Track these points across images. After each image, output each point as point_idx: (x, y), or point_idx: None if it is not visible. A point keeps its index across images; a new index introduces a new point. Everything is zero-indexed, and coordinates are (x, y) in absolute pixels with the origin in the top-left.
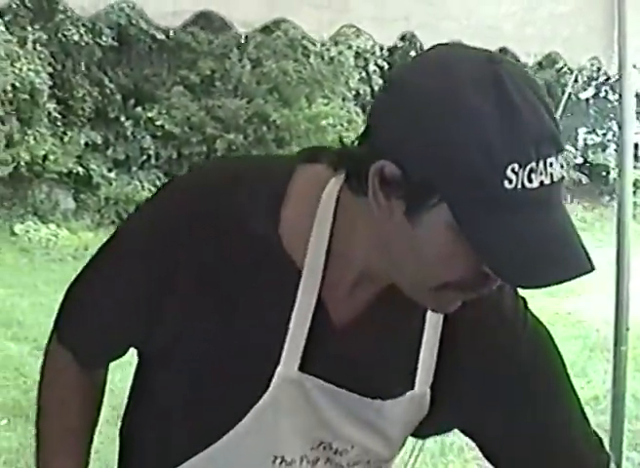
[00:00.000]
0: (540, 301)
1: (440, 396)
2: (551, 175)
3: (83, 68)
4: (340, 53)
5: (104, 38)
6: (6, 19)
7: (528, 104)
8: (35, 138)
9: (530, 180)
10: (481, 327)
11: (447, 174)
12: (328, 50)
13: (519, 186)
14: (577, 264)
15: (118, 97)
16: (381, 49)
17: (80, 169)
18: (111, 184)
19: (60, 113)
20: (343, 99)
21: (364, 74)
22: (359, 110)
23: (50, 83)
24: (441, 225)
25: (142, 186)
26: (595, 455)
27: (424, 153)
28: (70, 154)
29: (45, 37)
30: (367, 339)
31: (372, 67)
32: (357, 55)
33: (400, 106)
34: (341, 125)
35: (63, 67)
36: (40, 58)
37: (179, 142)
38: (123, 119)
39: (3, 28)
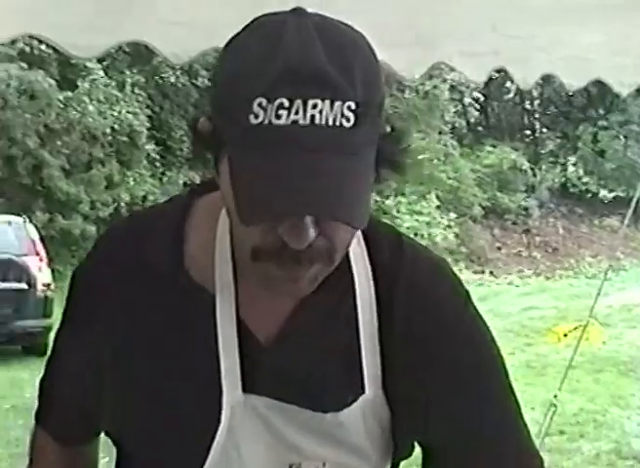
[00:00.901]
0: None
1: (394, 394)
2: (312, 116)
3: (180, 109)
4: (435, 87)
5: (200, 79)
6: (105, 63)
7: (300, 46)
8: (135, 179)
9: (278, 117)
10: (419, 318)
11: (218, 113)
12: (422, 84)
13: (265, 121)
14: (301, 202)
15: None
16: None
17: None
18: None
19: (158, 154)
20: (440, 133)
21: (459, 107)
22: (455, 144)
23: (148, 125)
24: (226, 175)
25: None
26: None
27: (211, 98)
28: (169, 194)
29: (143, 80)
30: (298, 351)
31: (467, 100)
32: (452, 88)
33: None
34: (438, 159)
35: (161, 109)
36: (138, 101)
37: None
38: None
39: (102, 73)
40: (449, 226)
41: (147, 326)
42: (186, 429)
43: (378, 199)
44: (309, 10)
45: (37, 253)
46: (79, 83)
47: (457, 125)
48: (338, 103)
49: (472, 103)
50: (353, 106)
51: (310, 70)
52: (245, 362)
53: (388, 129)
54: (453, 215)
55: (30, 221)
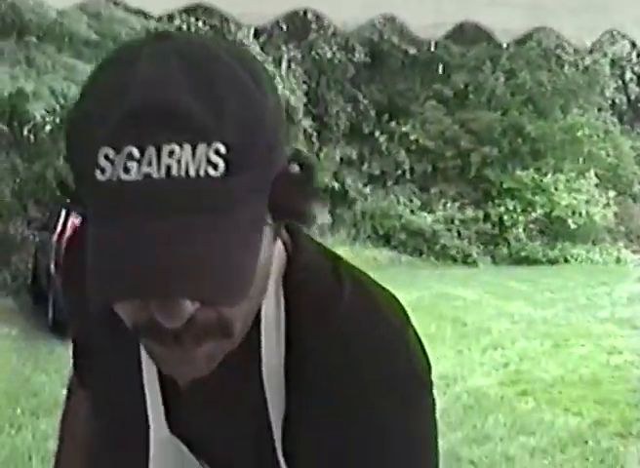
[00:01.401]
0: None
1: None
2: (168, 167)
3: (337, 85)
4: (595, 61)
5: (357, 55)
6: (261, 39)
7: (154, 78)
8: None
9: (126, 170)
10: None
11: (68, 166)
12: (582, 59)
13: (114, 178)
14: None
15: (372, 112)
16: (638, 56)
17: (336, 184)
18: (366, 199)
19: (315, 130)
20: (599, 110)
21: (620, 83)
22: (615, 120)
23: (305, 100)
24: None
25: (398, 200)
26: None
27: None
28: (326, 170)
29: (299, 56)
30: (207, 403)
31: (628, 75)
32: (612, 63)
33: None
34: (597, 136)
35: (317, 85)
36: (295, 77)
37: (433, 156)
38: (377, 134)
39: (259, 49)
40: (607, 205)
41: (105, 352)
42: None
43: (535, 176)
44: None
45: None
46: None
47: (617, 101)
48: (201, 147)
49: (633, 79)
50: (223, 150)
51: (163, 108)
52: (168, 402)
53: (294, 167)
54: (612, 194)
55: None
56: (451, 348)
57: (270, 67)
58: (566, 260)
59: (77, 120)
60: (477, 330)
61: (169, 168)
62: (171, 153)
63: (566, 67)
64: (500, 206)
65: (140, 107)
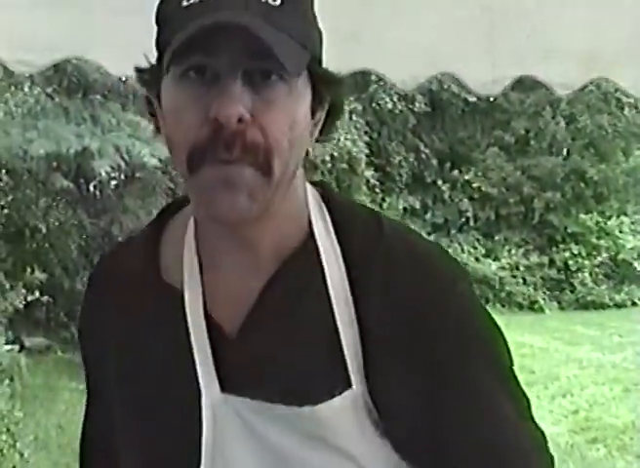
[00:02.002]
0: None
1: (378, 388)
2: None
3: (398, 135)
4: None
5: (417, 104)
6: None
7: None
8: None
9: None
10: (398, 302)
11: (158, 31)
12: None
13: (197, 0)
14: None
15: (434, 161)
16: None
17: None
18: None
19: (378, 180)
20: None
21: None
22: None
23: (367, 151)
24: (167, 80)
25: (462, 248)
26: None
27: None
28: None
29: (360, 107)
30: (266, 339)
31: None
32: None
33: None
34: None
35: (379, 135)
36: (356, 128)
37: (496, 203)
38: (440, 183)
39: None
40: None
41: (133, 335)
42: (172, 435)
43: (599, 219)
44: None
45: None
46: None
47: None
48: None
49: None
50: None
51: None
52: (218, 358)
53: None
54: None
55: None
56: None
57: None
58: (633, 304)
59: None
60: (545, 377)
61: None
62: None
63: (626, 110)
64: (564, 251)
65: None
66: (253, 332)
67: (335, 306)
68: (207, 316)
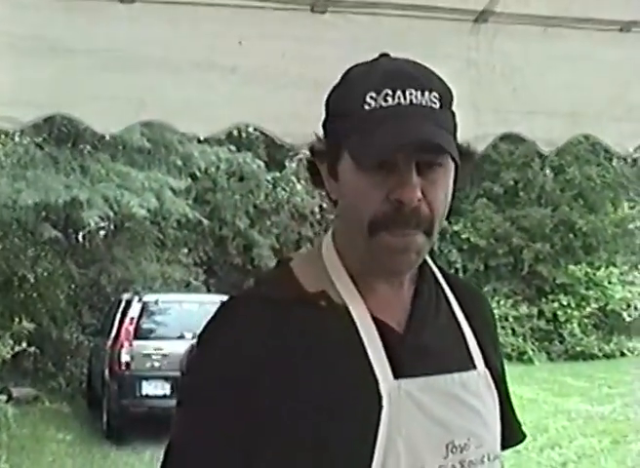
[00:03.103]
0: None
1: (492, 372)
2: (411, 99)
3: None
4: None
5: None
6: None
7: (393, 62)
8: None
9: (385, 101)
10: (480, 313)
11: (335, 115)
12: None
13: (377, 106)
14: (418, 135)
15: None
16: None
17: None
18: None
19: None
20: None
21: None
22: None
23: None
24: (347, 165)
25: None
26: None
27: (328, 109)
28: None
29: None
30: (425, 329)
31: None
32: None
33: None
34: None
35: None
36: None
37: (485, 254)
38: None
39: (309, 153)
40: None
41: (302, 359)
42: (351, 423)
43: (588, 270)
44: None
45: None
46: (286, 163)
47: None
48: (426, 92)
49: None
50: (437, 95)
51: (403, 72)
52: (389, 351)
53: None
54: None
55: None
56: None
57: None
58: (622, 354)
59: (343, 87)
60: (534, 428)
61: (411, 100)
62: (410, 93)
63: (614, 161)
64: (553, 301)
65: (390, 71)
66: (417, 328)
67: (456, 312)
68: (374, 320)
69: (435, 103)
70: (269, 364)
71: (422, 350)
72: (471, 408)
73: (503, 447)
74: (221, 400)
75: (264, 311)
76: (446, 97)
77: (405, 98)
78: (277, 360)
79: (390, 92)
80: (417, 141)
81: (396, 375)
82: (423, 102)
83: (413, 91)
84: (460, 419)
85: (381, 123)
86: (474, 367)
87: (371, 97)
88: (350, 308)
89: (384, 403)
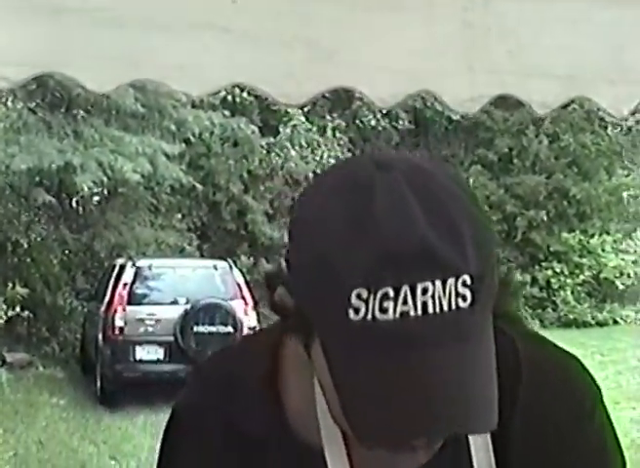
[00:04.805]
0: None
1: None
2: (424, 304)
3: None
4: (638, 121)
5: (401, 122)
6: (305, 109)
7: (396, 215)
8: None
9: (383, 310)
10: (535, 444)
11: (304, 298)
12: (626, 119)
13: (369, 317)
14: (446, 422)
15: None
16: None
17: None
18: None
19: None
20: None
21: None
22: None
23: None
24: (322, 365)
25: None
26: None
27: (293, 276)
28: None
29: (343, 124)
30: None
31: None
32: None
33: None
34: None
35: (362, 152)
36: (339, 145)
37: None
38: None
39: (303, 118)
40: None
41: None
42: None
43: (582, 238)
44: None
45: (243, 297)
46: (281, 129)
47: None
48: (450, 281)
49: None
50: (468, 281)
51: (414, 247)
52: None
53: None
54: None
55: (235, 266)
56: None
57: (315, 136)
58: (615, 322)
59: (318, 256)
60: None
61: (425, 305)
62: (424, 290)
63: (609, 129)
64: (547, 269)
65: (391, 248)
66: None
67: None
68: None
69: (465, 299)
70: None
71: None
72: None
73: None
74: None
75: (219, 438)
76: (483, 271)
77: (415, 303)
78: None
79: (391, 291)
80: (439, 431)
81: None
82: (444, 306)
83: (429, 285)
84: None
85: (376, 364)
86: None
87: (359, 298)
88: (327, 458)
89: None
